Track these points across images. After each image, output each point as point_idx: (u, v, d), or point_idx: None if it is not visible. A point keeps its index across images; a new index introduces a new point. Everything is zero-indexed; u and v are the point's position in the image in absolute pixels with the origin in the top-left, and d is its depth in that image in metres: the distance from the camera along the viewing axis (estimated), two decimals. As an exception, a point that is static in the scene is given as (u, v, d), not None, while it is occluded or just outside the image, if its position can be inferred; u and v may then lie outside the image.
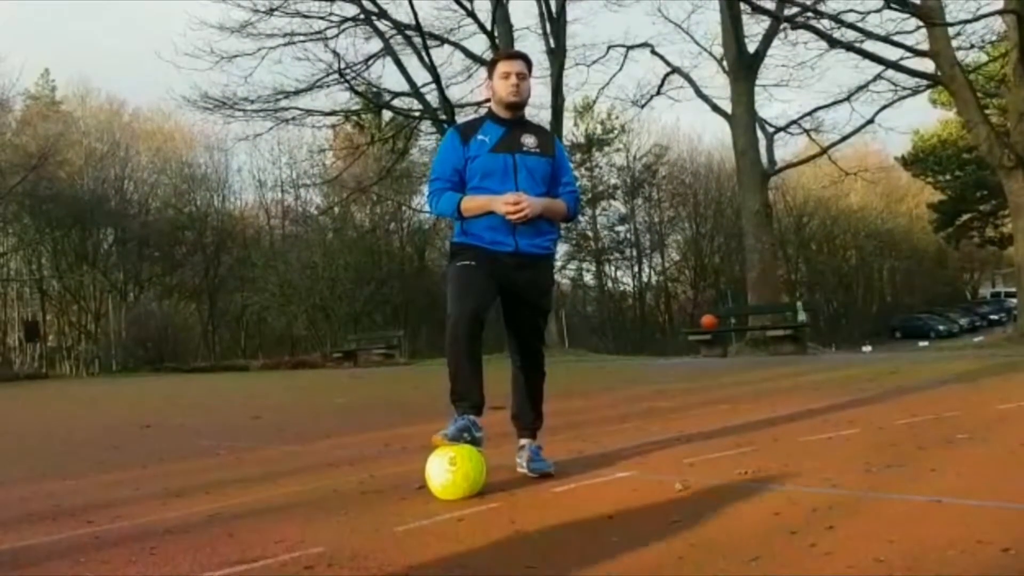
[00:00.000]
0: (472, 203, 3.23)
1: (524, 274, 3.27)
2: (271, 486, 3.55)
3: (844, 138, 20.05)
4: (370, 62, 19.56)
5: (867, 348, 23.86)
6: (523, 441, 3.37)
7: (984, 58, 18.88)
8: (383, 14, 18.56)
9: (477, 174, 3.26)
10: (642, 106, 22.68)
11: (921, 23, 14.72)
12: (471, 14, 18.75)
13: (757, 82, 18.70)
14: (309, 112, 20.00)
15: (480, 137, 3.29)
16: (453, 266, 3.27)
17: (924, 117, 39.07)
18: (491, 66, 3.40)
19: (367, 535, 2.51)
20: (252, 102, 19.19)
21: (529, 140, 3.32)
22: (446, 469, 2.91)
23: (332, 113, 20.74)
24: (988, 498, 2.47)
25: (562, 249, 30.94)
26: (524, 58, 3.37)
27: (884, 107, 18.80)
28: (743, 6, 17.38)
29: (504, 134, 3.30)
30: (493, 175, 3.25)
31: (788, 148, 39.43)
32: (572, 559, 2.13)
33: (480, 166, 3.26)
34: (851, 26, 15.61)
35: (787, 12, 16.91)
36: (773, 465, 3.16)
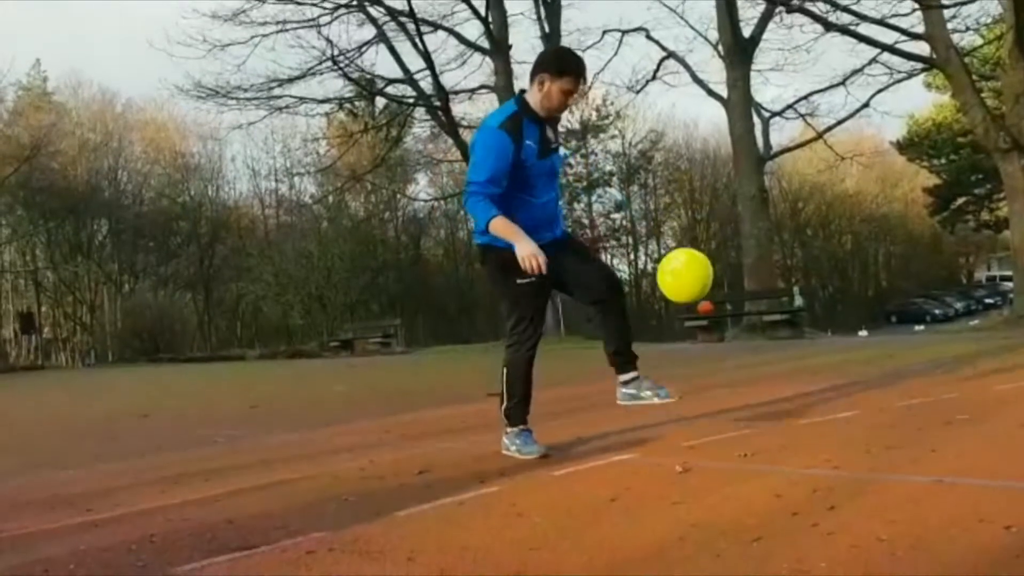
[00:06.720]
0: (504, 230, 3.12)
1: (560, 245, 3.37)
2: (270, 473, 3.54)
3: (839, 122, 19.97)
4: (363, 49, 19.38)
5: (863, 333, 23.92)
6: (630, 375, 3.41)
7: (979, 41, 18.79)
8: (376, 0, 18.44)
9: (528, 179, 3.22)
10: (637, 91, 22.53)
11: (916, 6, 14.66)
12: (465, 0, 18.62)
13: (752, 66, 18.59)
14: (302, 100, 19.83)
15: (527, 142, 3.20)
16: (514, 282, 3.20)
17: (919, 101, 39.01)
18: (556, 71, 3.18)
19: (368, 520, 2.50)
20: (245, 90, 19.03)
21: (552, 135, 3.35)
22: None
23: (325, 101, 20.56)
24: (989, 477, 2.48)
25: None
26: (585, 75, 3.36)
27: (879, 91, 18.68)
28: (738, -11, 17.29)
29: (542, 135, 3.27)
30: (540, 180, 3.28)
31: (784, 133, 39.38)
32: (573, 541, 2.13)
33: (531, 173, 3.22)
34: (846, 9, 15.55)
35: (782, -5, 16.83)
36: (773, 447, 3.17)
